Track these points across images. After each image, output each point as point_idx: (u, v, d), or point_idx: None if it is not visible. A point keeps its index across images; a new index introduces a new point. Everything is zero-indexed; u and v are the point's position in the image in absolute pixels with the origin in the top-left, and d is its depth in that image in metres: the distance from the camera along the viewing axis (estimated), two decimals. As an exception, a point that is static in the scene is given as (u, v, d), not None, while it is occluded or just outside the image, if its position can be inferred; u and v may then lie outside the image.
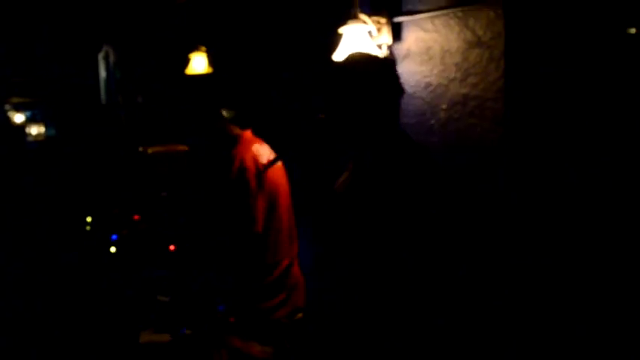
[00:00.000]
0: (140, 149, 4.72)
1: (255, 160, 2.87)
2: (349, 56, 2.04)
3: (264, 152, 2.96)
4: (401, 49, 2.97)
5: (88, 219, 3.77)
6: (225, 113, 4.56)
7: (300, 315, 2.88)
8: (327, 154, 2.77)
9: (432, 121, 2.81)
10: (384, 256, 1.82)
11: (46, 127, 9.08)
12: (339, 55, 2.98)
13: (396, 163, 1.86)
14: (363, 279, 1.87)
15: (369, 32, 3.01)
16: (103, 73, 7.37)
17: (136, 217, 3.67)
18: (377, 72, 1.94)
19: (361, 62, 1.97)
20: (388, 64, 2.00)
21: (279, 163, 2.96)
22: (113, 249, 3.31)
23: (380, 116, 1.92)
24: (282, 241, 2.86)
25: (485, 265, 2.53)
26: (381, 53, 3.02)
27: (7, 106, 9.45)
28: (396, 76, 1.96)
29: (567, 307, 2.32)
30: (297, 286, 2.91)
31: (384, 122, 1.93)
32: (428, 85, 2.83)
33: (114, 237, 3.39)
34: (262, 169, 2.81)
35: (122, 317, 2.85)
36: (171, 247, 3.14)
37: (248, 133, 3.04)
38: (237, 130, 3.02)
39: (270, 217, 2.83)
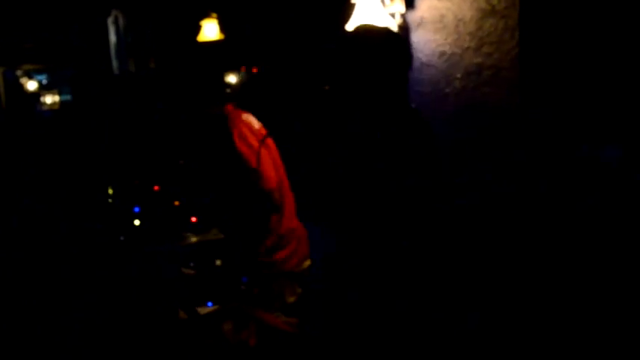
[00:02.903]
0: (156, 117, 4.75)
1: (250, 127, 3.08)
2: (357, 28, 2.05)
3: (253, 120, 3.16)
4: (414, 17, 2.96)
5: (110, 191, 3.83)
6: (234, 80, 4.56)
7: (307, 262, 3.07)
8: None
9: (447, 90, 2.83)
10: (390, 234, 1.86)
11: (60, 94, 9.06)
12: (352, 25, 2.98)
13: (405, 140, 1.89)
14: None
15: (382, 1, 3.00)
16: (113, 38, 7.34)
17: (156, 187, 3.72)
18: (385, 44, 1.94)
19: (369, 34, 1.97)
20: (396, 35, 2.00)
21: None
22: (137, 222, 3.38)
23: (388, 89, 1.93)
24: (287, 196, 3.06)
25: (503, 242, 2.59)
26: (395, 22, 3.02)
27: (18, 73, 9.43)
28: (404, 49, 1.98)
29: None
30: (302, 236, 3.10)
31: (392, 95, 1.95)
32: (442, 53, 2.83)
33: (136, 209, 3.45)
34: (261, 136, 3.04)
35: (149, 292, 2.94)
36: (193, 219, 3.21)
37: (231, 107, 3.16)
38: (218, 109, 3.13)
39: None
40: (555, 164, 2.41)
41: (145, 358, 2.59)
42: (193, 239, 3.14)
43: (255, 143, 2.98)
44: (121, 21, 7.15)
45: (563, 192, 2.40)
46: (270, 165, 3.01)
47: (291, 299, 2.94)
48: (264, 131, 3.11)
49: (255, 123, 3.15)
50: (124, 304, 3.03)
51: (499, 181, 2.60)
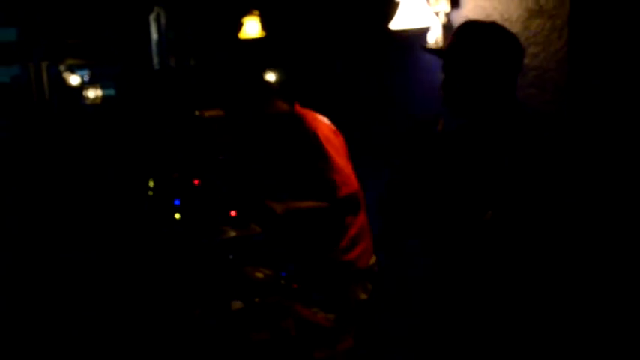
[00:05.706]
0: (197, 113, 4.81)
1: (331, 129, 3.05)
2: (473, 24, 2.08)
3: (328, 120, 3.10)
4: (459, 16, 2.94)
5: (150, 183, 3.89)
6: (275, 77, 4.59)
7: (374, 259, 3.04)
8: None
9: (491, 90, 2.80)
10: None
11: (102, 89, 9.26)
12: (395, 24, 2.98)
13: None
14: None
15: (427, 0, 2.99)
16: (154, 35, 7.46)
17: (196, 181, 3.77)
18: (499, 44, 1.98)
19: (486, 32, 2.00)
20: (511, 36, 2.02)
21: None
22: (177, 215, 3.42)
23: (495, 90, 1.98)
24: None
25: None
26: (439, 21, 3.01)
27: (61, 67, 9.65)
28: (518, 51, 2.03)
29: None
30: (369, 232, 3.06)
31: (499, 96, 1.99)
32: (487, 53, 2.80)
33: (177, 202, 3.50)
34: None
35: (192, 285, 2.99)
36: (233, 213, 3.24)
37: (299, 107, 3.12)
38: (286, 106, 3.09)
39: None
40: (598, 173, 2.37)
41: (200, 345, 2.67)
42: (232, 233, 3.16)
43: (337, 145, 2.96)
44: (162, 18, 7.27)
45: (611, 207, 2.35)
46: (350, 166, 2.96)
47: (364, 296, 2.93)
48: (338, 132, 3.08)
49: (330, 123, 3.11)
50: (173, 294, 3.08)
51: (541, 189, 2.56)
